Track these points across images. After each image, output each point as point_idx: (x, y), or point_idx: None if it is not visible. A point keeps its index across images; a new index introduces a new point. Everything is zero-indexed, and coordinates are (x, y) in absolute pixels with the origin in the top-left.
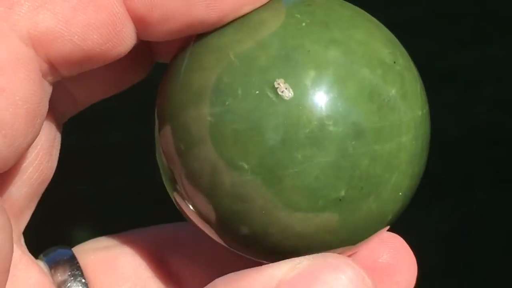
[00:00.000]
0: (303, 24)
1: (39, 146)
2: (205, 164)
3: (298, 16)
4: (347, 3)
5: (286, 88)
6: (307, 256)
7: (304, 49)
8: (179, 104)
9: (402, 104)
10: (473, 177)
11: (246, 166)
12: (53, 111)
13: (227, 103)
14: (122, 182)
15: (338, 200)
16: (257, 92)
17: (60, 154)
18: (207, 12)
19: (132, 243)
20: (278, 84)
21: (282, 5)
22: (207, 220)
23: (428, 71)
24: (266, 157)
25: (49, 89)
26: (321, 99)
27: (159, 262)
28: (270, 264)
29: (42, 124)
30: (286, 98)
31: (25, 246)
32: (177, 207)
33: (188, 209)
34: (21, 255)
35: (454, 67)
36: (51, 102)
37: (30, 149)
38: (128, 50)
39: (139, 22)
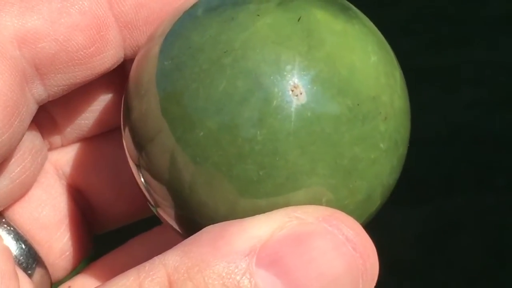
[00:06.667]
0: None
1: (24, 147)
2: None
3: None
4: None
5: (301, 93)
6: (293, 208)
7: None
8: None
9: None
10: (453, 178)
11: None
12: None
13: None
14: None
15: None
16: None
17: None
18: None
19: None
20: (294, 87)
21: None
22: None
23: (409, 71)
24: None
25: (31, 101)
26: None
27: None
28: (252, 218)
29: (23, 133)
30: (300, 101)
31: None
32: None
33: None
34: None
35: (434, 68)
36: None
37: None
38: (113, 61)
39: (126, 27)
